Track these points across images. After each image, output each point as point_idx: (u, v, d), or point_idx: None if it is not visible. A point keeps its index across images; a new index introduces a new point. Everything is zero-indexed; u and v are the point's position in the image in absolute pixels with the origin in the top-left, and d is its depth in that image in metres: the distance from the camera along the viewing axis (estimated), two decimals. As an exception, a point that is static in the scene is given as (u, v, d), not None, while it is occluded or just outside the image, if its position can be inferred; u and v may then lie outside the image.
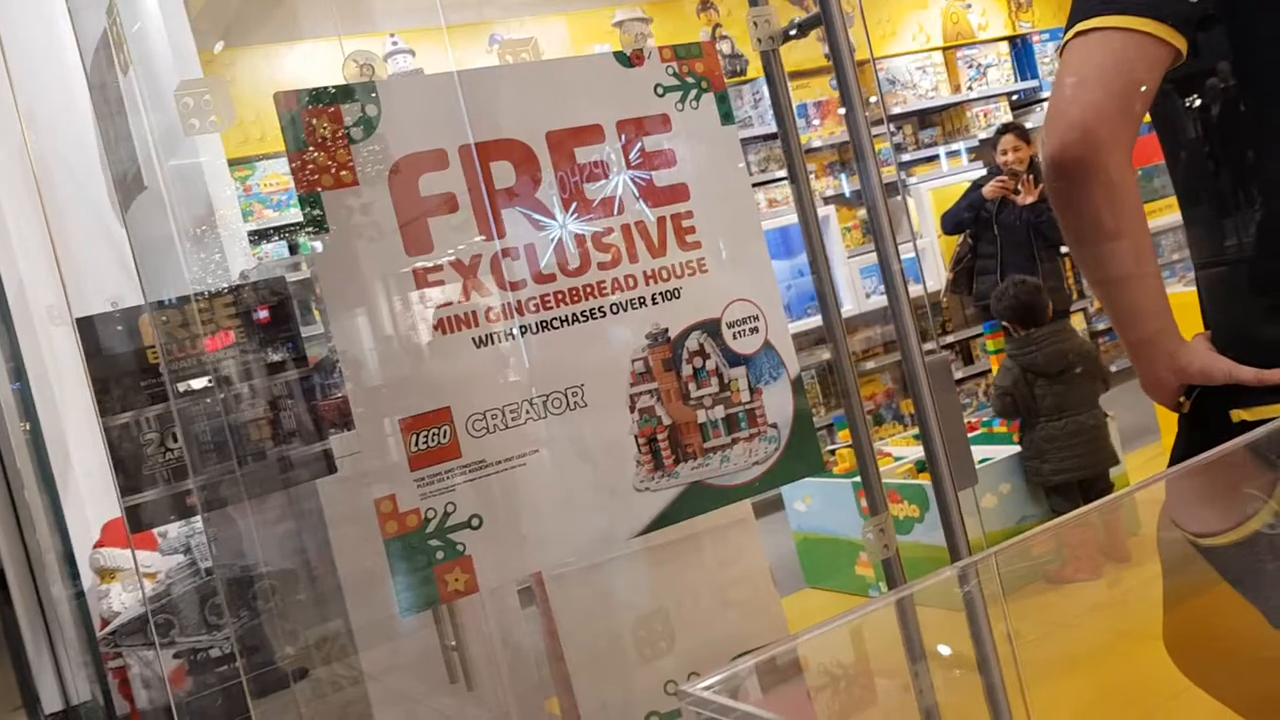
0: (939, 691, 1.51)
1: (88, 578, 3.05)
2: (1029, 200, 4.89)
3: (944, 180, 6.45)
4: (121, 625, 2.73)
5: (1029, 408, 3.74)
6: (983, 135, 6.87)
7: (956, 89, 7.10)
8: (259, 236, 5.16)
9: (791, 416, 1.62)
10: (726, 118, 1.66)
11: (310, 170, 1.34)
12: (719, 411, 1.57)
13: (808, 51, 1.74)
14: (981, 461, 3.73)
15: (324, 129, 1.35)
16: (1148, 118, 1.35)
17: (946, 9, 7.17)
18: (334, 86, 1.38)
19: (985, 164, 6.33)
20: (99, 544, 2.92)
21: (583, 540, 1.53)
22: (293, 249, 5.26)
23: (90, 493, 3.15)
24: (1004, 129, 5.20)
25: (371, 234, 1.38)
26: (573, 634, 1.96)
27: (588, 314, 1.52)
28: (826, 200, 6.45)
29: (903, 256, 1.59)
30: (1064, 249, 5.07)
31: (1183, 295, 1.45)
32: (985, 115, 7.04)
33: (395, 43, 5.08)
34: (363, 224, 1.37)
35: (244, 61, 5.07)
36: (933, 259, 6.13)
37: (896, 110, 6.80)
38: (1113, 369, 6.69)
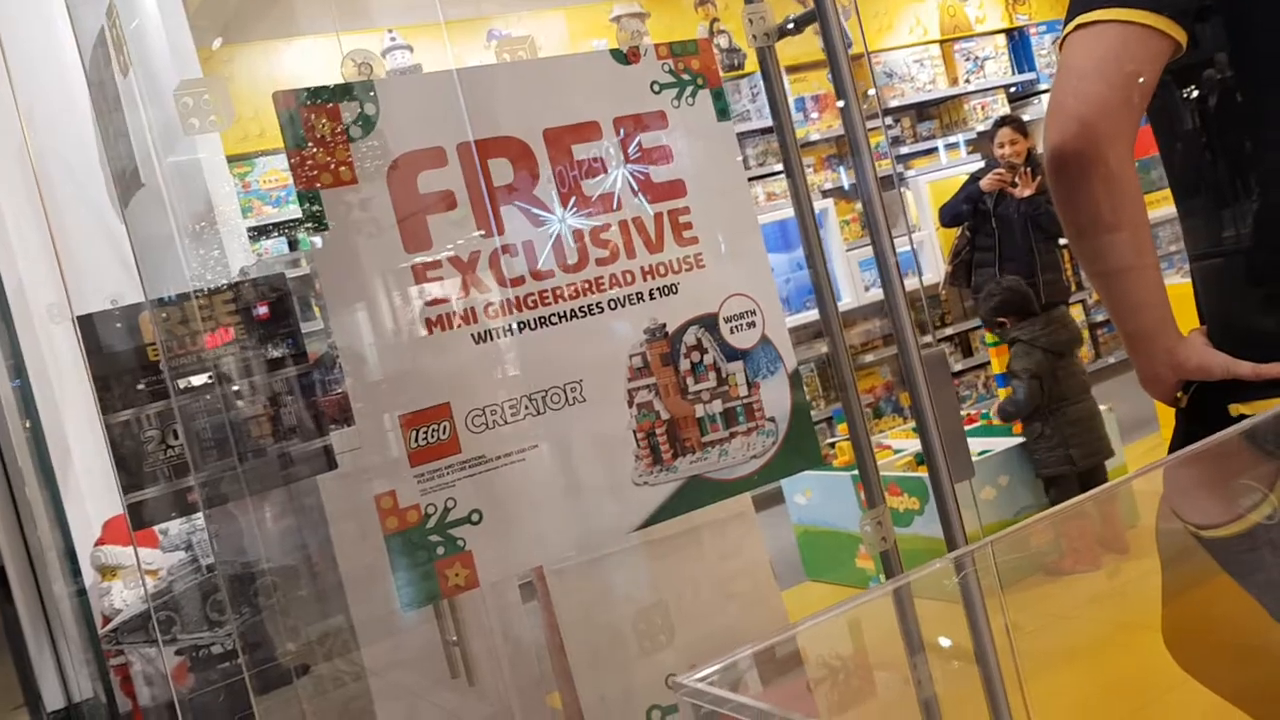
0: (938, 683, 1.51)
1: (88, 575, 3.06)
2: (1026, 193, 4.89)
3: (942, 173, 6.45)
4: (123, 622, 2.73)
5: (1051, 391, 3.72)
6: (980, 128, 6.87)
7: (954, 82, 7.10)
8: (258, 233, 5.16)
9: (789, 410, 1.62)
10: (723, 114, 1.66)
11: (310, 168, 1.35)
12: (717, 406, 1.58)
13: (804, 45, 1.74)
14: (980, 454, 3.74)
15: (323, 127, 1.35)
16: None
17: (943, 2, 7.17)
18: (333, 85, 1.39)
19: (983, 156, 6.34)
20: (100, 541, 2.92)
21: (582, 535, 1.54)
22: (292, 245, 5.26)
23: (91, 490, 3.16)
24: (1001, 122, 5.20)
25: (371, 231, 1.39)
26: (574, 628, 1.97)
27: (586, 310, 1.52)
28: (825, 193, 6.45)
29: (900, 249, 1.60)
30: (1062, 241, 5.08)
31: (1179, 286, 1.46)
32: (983, 108, 7.04)
33: (393, 39, 5.08)
34: (362, 221, 1.38)
35: (242, 58, 5.07)
36: (931, 252, 6.13)
37: (894, 103, 6.80)
38: (1110, 360, 6.71)
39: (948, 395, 1.57)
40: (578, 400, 1.49)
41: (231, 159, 4.65)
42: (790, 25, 1.65)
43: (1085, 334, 6.75)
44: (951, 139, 7.00)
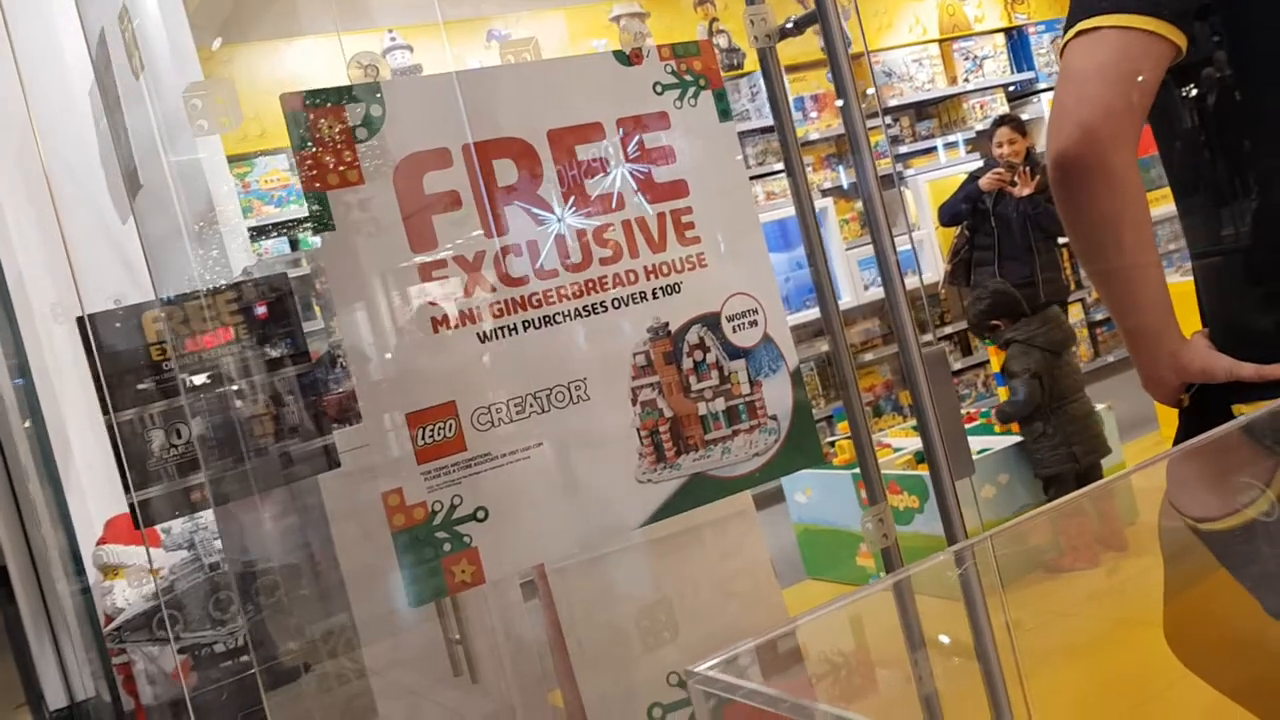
0: (939, 679, 1.52)
1: (90, 574, 3.07)
2: (1026, 192, 4.90)
3: (941, 172, 6.46)
4: (126, 621, 2.74)
5: (1051, 389, 3.73)
6: (979, 127, 6.88)
7: (953, 81, 7.11)
8: (258, 233, 5.17)
9: (791, 408, 1.63)
10: (724, 115, 1.67)
11: (316, 169, 1.36)
12: (719, 404, 1.59)
13: (804, 45, 1.75)
14: (980, 452, 3.75)
15: (329, 129, 1.36)
16: None
17: (942, 1, 7.18)
18: (339, 86, 1.40)
19: (982, 156, 6.35)
20: (102, 540, 2.93)
21: (586, 531, 1.55)
22: (293, 245, 5.27)
23: (93, 489, 3.16)
24: (1000, 121, 5.21)
25: (377, 231, 1.40)
26: (575, 626, 1.98)
27: (589, 309, 1.53)
28: (824, 192, 6.46)
29: (900, 248, 1.61)
30: (1061, 240, 5.09)
31: (1179, 285, 1.47)
32: (982, 107, 7.05)
33: (394, 39, 5.09)
34: (368, 221, 1.39)
35: (242, 58, 5.08)
36: (931, 251, 6.14)
37: (893, 102, 6.81)
38: (1110, 359, 6.72)
39: (948, 393, 1.58)
40: (582, 399, 1.50)
41: (231, 159, 4.67)
42: (791, 26, 1.66)
43: (1084, 332, 6.77)
44: (950, 138, 7.01)
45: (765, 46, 1.66)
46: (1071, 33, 1.27)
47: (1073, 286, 6.47)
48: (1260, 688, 1.31)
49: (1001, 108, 7.01)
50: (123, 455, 2.17)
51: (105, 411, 2.10)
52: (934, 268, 6.03)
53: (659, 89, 1.61)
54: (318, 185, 1.36)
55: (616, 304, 1.54)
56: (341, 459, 2.09)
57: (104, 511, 3.04)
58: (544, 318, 1.49)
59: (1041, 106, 7.05)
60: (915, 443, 4.01)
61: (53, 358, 3.09)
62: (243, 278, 2.27)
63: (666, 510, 1.55)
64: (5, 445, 3.34)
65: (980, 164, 5.72)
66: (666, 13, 6.20)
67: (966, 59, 7.18)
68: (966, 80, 7.13)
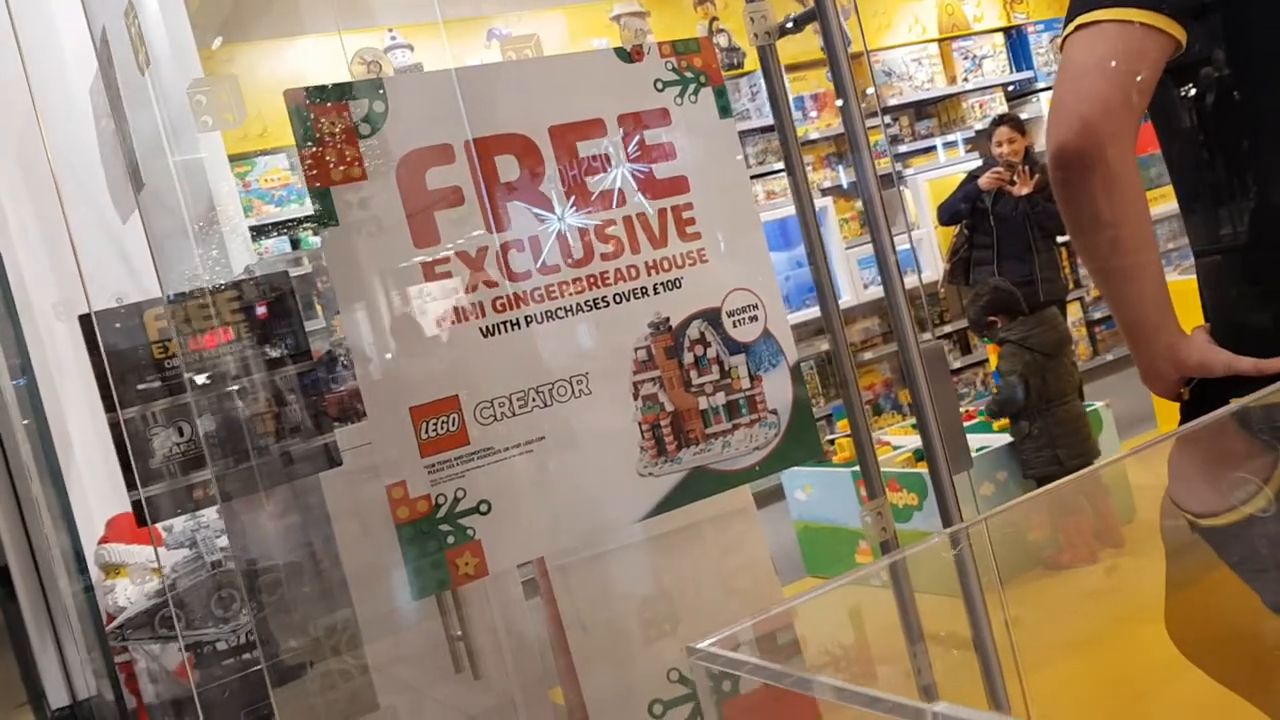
0: (937, 671, 1.53)
1: (92, 573, 3.07)
2: (1025, 191, 4.91)
3: (941, 171, 6.47)
4: (128, 619, 2.75)
5: (1039, 391, 3.75)
6: (979, 126, 6.89)
7: (952, 80, 7.12)
8: (258, 232, 5.18)
9: (791, 403, 1.64)
10: (725, 111, 1.68)
11: (319, 165, 1.37)
12: (720, 398, 1.60)
13: (804, 44, 1.76)
14: (978, 450, 3.76)
15: (332, 125, 1.37)
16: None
17: (942, 1, 7.19)
18: (342, 83, 1.41)
19: (981, 155, 6.36)
20: (104, 540, 2.93)
21: (589, 524, 1.56)
22: (294, 244, 5.28)
23: (95, 488, 3.17)
24: (999, 120, 5.22)
25: (380, 227, 1.41)
26: (577, 624, 1.99)
27: (591, 304, 1.54)
28: (824, 192, 6.47)
29: (899, 247, 1.61)
30: (1060, 239, 5.09)
31: (1178, 283, 1.48)
32: (981, 106, 7.06)
33: (394, 38, 5.09)
34: (371, 217, 1.40)
35: (242, 57, 5.09)
36: (930, 250, 6.15)
37: (893, 101, 6.82)
38: (1109, 357, 6.73)
39: (946, 388, 1.59)
40: (584, 393, 1.51)
41: (232, 158, 4.67)
42: (790, 24, 1.67)
43: (1083, 331, 6.77)
44: (949, 137, 7.02)
45: (765, 44, 1.67)
46: (1071, 26, 1.28)
47: (1071, 286, 6.48)
48: (1260, 680, 1.32)
49: (1000, 107, 7.02)
50: (129, 452, 2.17)
51: (108, 409, 2.11)
52: (933, 267, 6.04)
53: (659, 85, 1.62)
54: (321, 181, 1.37)
55: (618, 299, 1.55)
56: (344, 457, 2.10)
57: (106, 511, 3.05)
58: (546, 313, 1.50)
59: (1040, 106, 7.06)
60: (914, 441, 4.02)
61: (54, 356, 3.10)
62: (244, 276, 2.28)
63: (668, 504, 1.56)
64: (7, 444, 3.35)
65: (979, 163, 5.73)
66: (666, 12, 6.21)
67: (965, 58, 7.19)
68: (965, 80, 7.14)
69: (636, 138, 1.59)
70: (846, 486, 3.84)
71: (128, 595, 2.92)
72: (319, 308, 2.59)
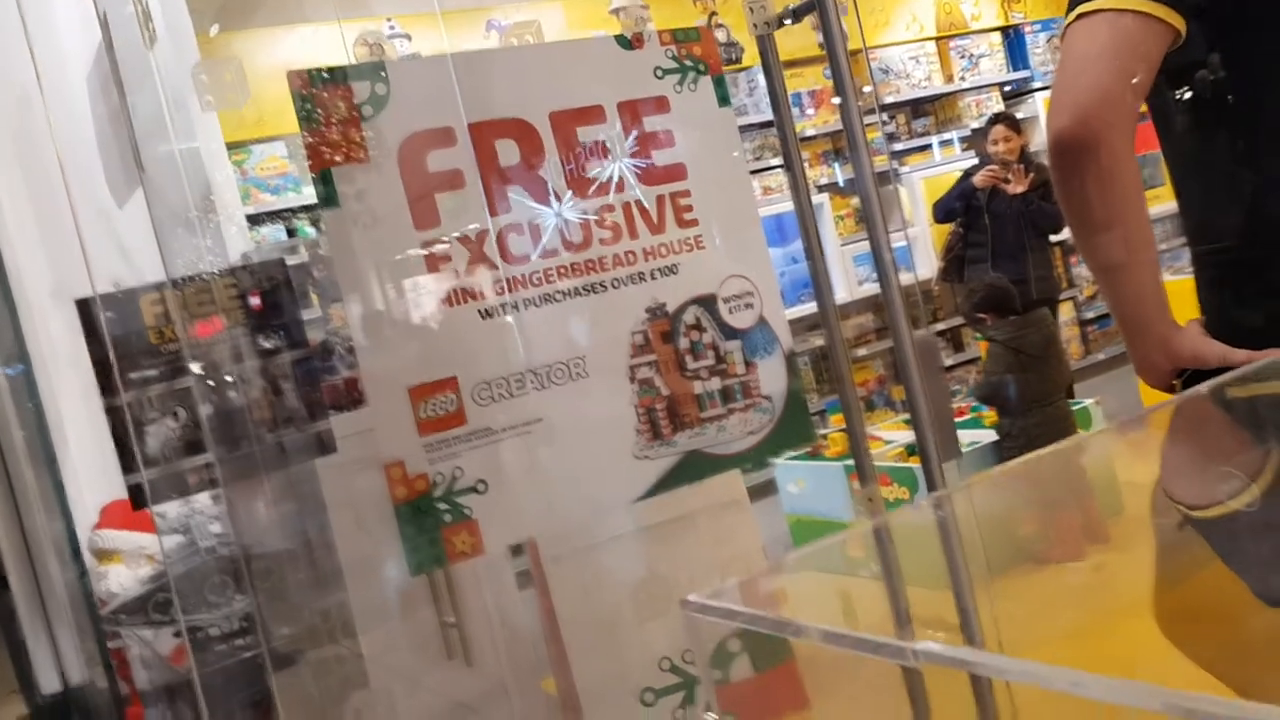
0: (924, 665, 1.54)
1: (86, 560, 3.07)
2: (1020, 190, 4.92)
3: (937, 169, 6.48)
4: (121, 605, 2.75)
5: (1023, 392, 3.77)
6: (974, 125, 6.91)
7: (949, 79, 7.14)
8: (254, 220, 5.17)
9: (784, 389, 1.66)
10: (723, 100, 1.69)
11: (322, 147, 1.37)
12: (715, 383, 1.62)
13: (801, 40, 1.77)
14: (968, 445, 3.78)
15: (335, 107, 1.38)
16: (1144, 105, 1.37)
17: (940, -1, 7.21)
18: (344, 65, 1.42)
19: (977, 153, 6.37)
20: (98, 526, 2.93)
21: (584, 506, 1.58)
22: (290, 233, 5.27)
23: (89, 476, 3.17)
24: (995, 119, 5.24)
25: (382, 209, 1.42)
26: (570, 614, 2.00)
27: (589, 288, 1.56)
28: (820, 189, 6.48)
29: (895, 244, 1.63)
30: (1054, 238, 5.11)
31: (1174, 282, 1.49)
32: (977, 105, 7.07)
33: (392, 27, 5.09)
34: (373, 199, 1.41)
35: (239, 45, 5.07)
36: (925, 248, 6.16)
37: (890, 99, 6.83)
38: (1101, 356, 6.75)
39: (938, 379, 1.60)
40: (580, 375, 1.52)
41: (228, 146, 4.66)
42: (789, 16, 1.68)
43: (1076, 330, 6.79)
44: (946, 135, 7.04)
45: (764, 34, 1.68)
46: (1072, 15, 1.29)
47: (1065, 285, 6.50)
48: (1254, 674, 1.32)
49: (997, 106, 7.04)
50: (121, 439, 2.18)
51: (105, 394, 2.11)
52: (928, 265, 6.05)
53: (659, 73, 1.63)
54: (323, 164, 1.38)
55: (615, 284, 1.56)
56: (340, 445, 2.11)
57: (99, 498, 3.05)
58: (544, 296, 1.51)
59: (1036, 105, 7.07)
60: (906, 436, 4.04)
61: (49, 343, 3.10)
62: (241, 263, 2.28)
63: (662, 485, 1.57)
64: (0, 432, 3.34)
65: (975, 162, 5.75)
66: (665, 5, 6.22)
67: (963, 57, 7.21)
68: (963, 78, 7.16)
69: (636, 124, 1.60)
70: (838, 480, 3.85)
71: (120, 581, 2.92)
72: (314, 297, 2.59)
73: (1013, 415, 3.81)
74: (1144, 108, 1.37)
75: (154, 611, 2.72)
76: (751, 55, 5.99)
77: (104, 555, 2.96)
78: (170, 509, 2.76)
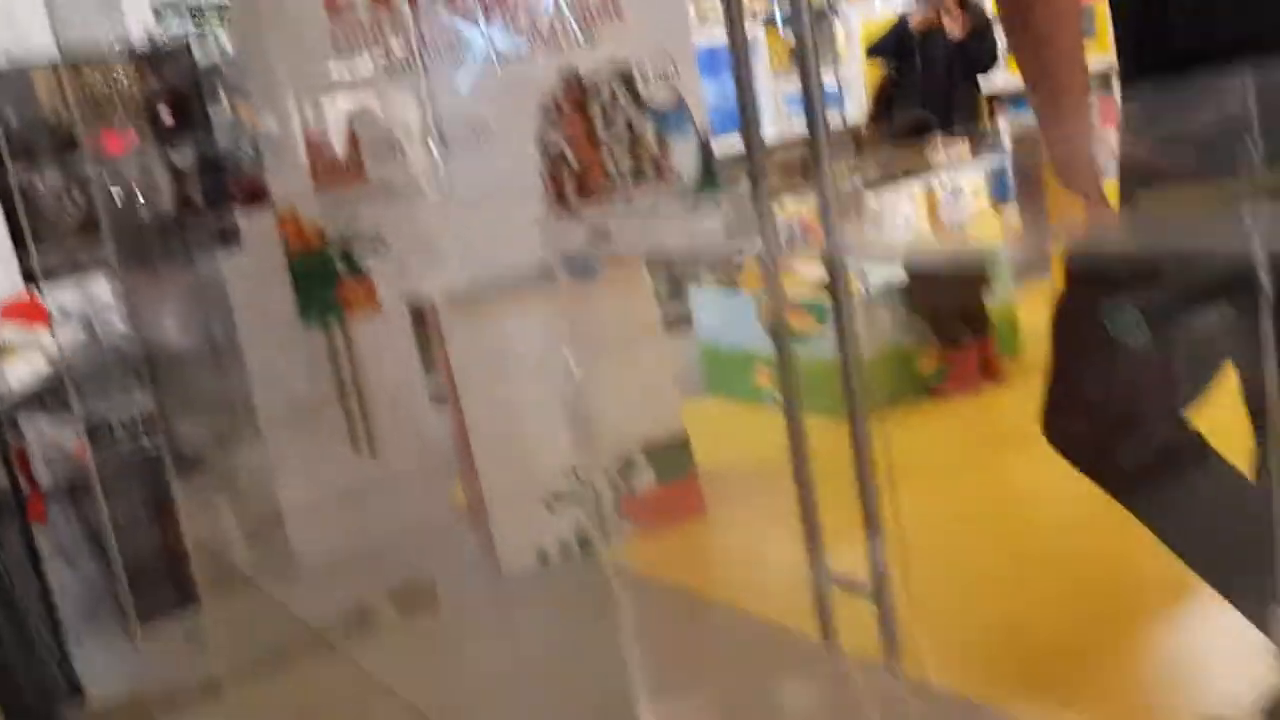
0: (819, 491, 1.60)
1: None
2: (956, 32, 4.88)
3: (877, 11, 6.36)
4: (19, 400, 2.70)
5: None
6: (916, -34, 6.75)
7: (895, -84, 6.93)
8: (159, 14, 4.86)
9: (696, 168, 1.64)
10: None
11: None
12: (625, 160, 1.59)
13: None
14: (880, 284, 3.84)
15: None
16: None
17: None
18: None
19: (916, -4, 6.26)
20: (-9, 322, 2.85)
21: (484, 269, 1.55)
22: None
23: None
24: (935, -42, 5.12)
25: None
26: (479, 423, 2.02)
27: (501, 51, 1.49)
28: (761, 21, 6.31)
29: (826, 85, 1.57)
30: (982, 85, 5.11)
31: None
32: (921, -54, 6.90)
33: None
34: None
35: None
36: (857, 90, 6.11)
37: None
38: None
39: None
40: (486, 139, 1.48)
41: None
42: None
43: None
44: (887, -24, 6.87)
45: None
46: None
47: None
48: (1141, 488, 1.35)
49: (941, -52, 6.88)
50: (13, 219, 2.09)
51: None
52: (860, 107, 6.01)
53: None
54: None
55: (529, 44, 1.50)
56: (245, 242, 2.06)
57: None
58: (450, 46, 1.45)
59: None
60: (821, 272, 4.08)
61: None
62: (146, 48, 2.17)
63: (570, 260, 1.56)
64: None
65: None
66: None
67: (911, -106, 6.98)
68: (908, -84, 6.95)
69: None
70: (750, 312, 3.91)
71: (18, 376, 2.86)
72: (224, 98, 2.48)
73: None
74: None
75: (54, 403, 2.67)
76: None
77: (-1, 350, 2.88)
78: (69, 300, 2.68)
